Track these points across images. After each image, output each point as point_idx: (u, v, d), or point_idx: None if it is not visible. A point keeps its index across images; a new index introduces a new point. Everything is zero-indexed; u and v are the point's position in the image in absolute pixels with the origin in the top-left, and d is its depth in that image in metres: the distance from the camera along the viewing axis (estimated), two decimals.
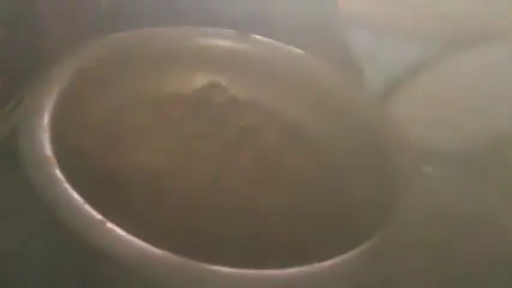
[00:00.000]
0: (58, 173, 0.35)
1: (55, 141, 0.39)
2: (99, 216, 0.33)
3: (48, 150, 0.37)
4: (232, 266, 0.39)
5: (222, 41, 0.56)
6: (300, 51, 0.58)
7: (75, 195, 0.34)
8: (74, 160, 0.45)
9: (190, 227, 0.43)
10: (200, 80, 0.58)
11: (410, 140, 0.50)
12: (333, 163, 0.53)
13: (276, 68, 0.57)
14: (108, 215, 0.41)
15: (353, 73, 0.62)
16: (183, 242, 0.41)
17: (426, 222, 0.46)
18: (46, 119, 0.39)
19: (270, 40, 0.58)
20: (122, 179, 0.45)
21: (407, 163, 0.45)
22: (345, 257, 0.37)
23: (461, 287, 0.49)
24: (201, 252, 0.40)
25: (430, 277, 0.48)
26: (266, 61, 0.57)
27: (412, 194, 0.44)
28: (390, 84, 0.74)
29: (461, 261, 0.49)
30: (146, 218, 0.43)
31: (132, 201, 0.43)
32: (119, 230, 0.33)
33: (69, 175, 0.38)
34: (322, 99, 0.56)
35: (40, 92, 0.41)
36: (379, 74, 0.73)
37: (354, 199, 0.49)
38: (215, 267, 0.33)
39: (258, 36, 0.58)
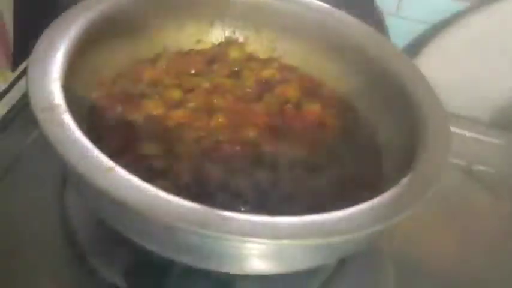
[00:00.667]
0: (68, 120, 0.34)
1: (66, 90, 0.38)
2: (109, 163, 0.32)
3: (58, 98, 0.35)
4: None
5: None
6: (324, 4, 0.55)
7: (85, 141, 0.33)
8: (84, 109, 0.44)
9: (207, 179, 0.42)
10: (218, 35, 0.56)
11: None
12: (355, 117, 0.51)
13: (298, 22, 0.55)
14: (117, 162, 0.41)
15: (378, 28, 0.59)
16: (199, 192, 0.41)
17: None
18: (58, 67, 0.38)
19: None
20: (137, 131, 0.44)
21: (435, 118, 0.43)
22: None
23: None
24: (217, 202, 0.40)
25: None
26: (287, 15, 0.55)
27: (437, 146, 0.42)
28: (417, 41, 0.71)
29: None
30: (162, 169, 0.42)
31: (146, 154, 0.43)
32: (129, 176, 0.32)
33: (80, 123, 0.37)
34: (346, 55, 0.53)
35: (53, 39, 0.40)
36: (405, 30, 0.70)
37: (377, 153, 0.48)
38: (229, 213, 0.32)
39: None
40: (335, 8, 0.56)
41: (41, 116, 0.33)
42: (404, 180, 0.36)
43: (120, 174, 0.31)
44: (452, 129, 0.44)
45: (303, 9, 0.55)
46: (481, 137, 0.63)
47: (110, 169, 0.31)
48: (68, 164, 0.31)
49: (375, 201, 0.34)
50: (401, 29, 0.70)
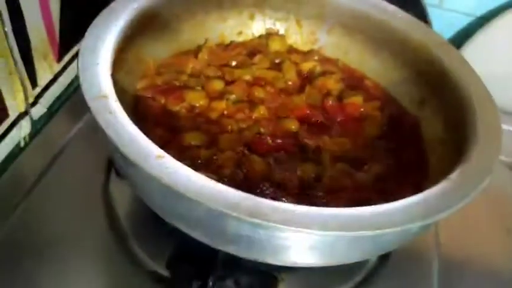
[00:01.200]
0: (118, 108, 0.34)
1: (114, 80, 0.39)
2: (158, 150, 0.32)
3: (109, 87, 0.36)
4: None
5: None
6: None
7: (135, 129, 0.33)
8: (129, 100, 0.45)
9: (249, 170, 0.42)
10: (259, 27, 0.56)
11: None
12: (398, 110, 0.50)
13: (339, 13, 0.54)
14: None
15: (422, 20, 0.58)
16: (242, 183, 0.41)
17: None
18: (107, 57, 0.39)
19: None
20: (180, 122, 0.45)
21: (484, 111, 0.42)
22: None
23: None
24: (260, 194, 0.40)
25: None
26: (328, 6, 0.54)
27: (487, 139, 0.40)
28: (461, 34, 0.69)
29: None
30: (205, 160, 0.42)
31: (189, 145, 0.43)
32: (179, 164, 0.32)
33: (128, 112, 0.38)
34: (390, 46, 0.52)
35: (101, 30, 0.40)
36: (448, 22, 0.68)
37: (421, 146, 0.47)
38: (278, 204, 0.31)
39: None
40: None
41: (93, 104, 0.34)
42: (455, 173, 0.35)
43: (170, 162, 0.31)
44: None
45: (345, 0, 0.54)
46: None
47: (160, 156, 0.31)
48: (120, 150, 0.31)
49: (426, 194, 0.33)
50: (445, 21, 0.68)
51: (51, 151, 0.51)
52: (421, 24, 0.51)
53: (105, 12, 0.42)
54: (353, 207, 0.33)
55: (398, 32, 0.51)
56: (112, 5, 0.44)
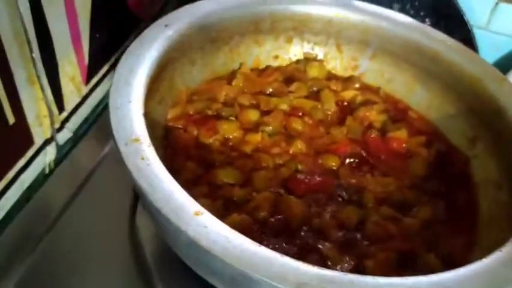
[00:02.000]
0: (152, 154, 0.32)
1: (146, 112, 0.36)
2: (196, 206, 0.29)
3: (141, 130, 0.33)
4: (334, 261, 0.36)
5: (321, 8, 0.50)
6: (411, 19, 0.50)
7: (170, 179, 0.31)
8: (160, 131, 0.42)
9: (286, 212, 0.39)
10: (296, 51, 0.53)
11: None
12: (446, 147, 0.46)
13: (383, 38, 0.50)
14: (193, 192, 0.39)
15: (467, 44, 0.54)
16: (279, 227, 0.38)
17: None
18: (140, 93, 0.36)
19: (375, 6, 0.51)
20: (213, 156, 0.42)
21: None
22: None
23: None
24: (298, 239, 0.37)
25: None
26: (371, 30, 0.51)
27: None
28: (508, 58, 0.65)
29: None
30: (239, 199, 0.39)
31: (223, 183, 0.40)
32: (217, 224, 0.29)
33: (161, 153, 0.36)
34: (438, 76, 0.48)
35: (134, 62, 0.38)
36: (495, 44, 0.64)
37: (471, 189, 0.43)
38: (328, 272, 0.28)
39: (360, 2, 0.51)
40: (424, 24, 0.51)
41: (124, 149, 0.31)
42: None
43: (209, 220, 0.29)
44: None
45: (389, 25, 0.50)
46: None
47: (198, 213, 0.29)
48: (153, 205, 0.29)
49: (488, 261, 0.30)
50: (491, 44, 0.64)
51: (77, 178, 0.48)
52: (475, 55, 0.47)
53: (137, 42, 0.40)
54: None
55: (450, 63, 0.47)
56: (145, 33, 0.41)
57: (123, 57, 0.38)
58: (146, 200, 0.30)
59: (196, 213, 0.29)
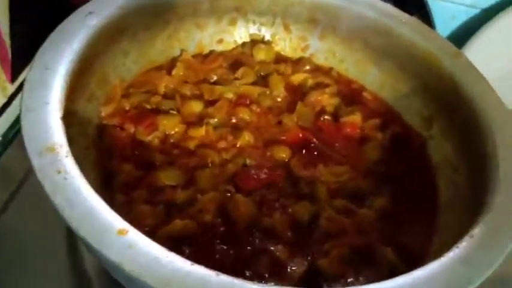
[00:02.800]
0: (70, 165, 0.28)
1: (70, 113, 0.32)
2: (120, 223, 0.26)
3: (58, 136, 0.29)
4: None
5: None
6: None
7: (90, 193, 0.27)
8: (92, 131, 0.39)
9: (234, 213, 0.36)
10: (242, 33, 0.49)
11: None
12: (403, 129, 0.44)
13: (333, 15, 0.47)
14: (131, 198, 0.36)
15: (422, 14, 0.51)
16: (226, 230, 0.35)
17: None
18: (58, 92, 0.32)
19: None
20: (153, 156, 0.38)
21: (504, 133, 0.36)
22: None
23: None
24: (247, 242, 0.35)
25: None
26: (320, 8, 0.47)
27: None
28: (464, 28, 0.63)
29: None
30: (183, 202, 0.36)
31: (164, 185, 0.37)
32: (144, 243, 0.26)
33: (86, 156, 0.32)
34: (391, 54, 0.45)
35: (51, 57, 0.33)
36: (450, 15, 0.62)
37: (430, 172, 0.41)
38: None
39: None
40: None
41: (37, 161, 0.27)
42: (478, 230, 0.29)
43: (135, 238, 0.25)
44: None
45: (338, 0, 0.47)
46: None
47: (122, 231, 0.25)
48: (71, 226, 0.25)
49: (445, 260, 0.28)
50: (447, 14, 0.61)
51: (8, 185, 0.44)
52: (430, 30, 0.45)
53: (55, 34, 0.35)
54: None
55: (403, 39, 0.44)
56: (64, 23, 0.37)
57: (38, 53, 0.34)
58: (63, 218, 0.26)
59: (121, 232, 0.25)
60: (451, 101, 0.41)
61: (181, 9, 0.45)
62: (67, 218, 0.26)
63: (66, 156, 0.28)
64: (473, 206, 0.34)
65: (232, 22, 0.48)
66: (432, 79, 0.43)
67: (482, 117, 0.38)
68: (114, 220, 0.26)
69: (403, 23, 0.44)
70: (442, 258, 0.27)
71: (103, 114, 0.40)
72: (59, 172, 0.27)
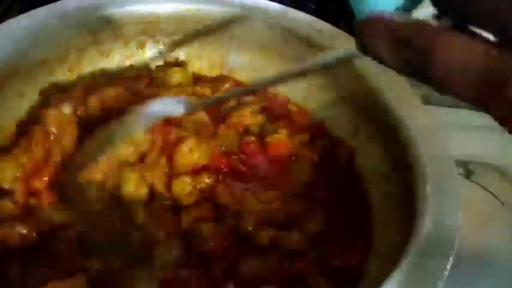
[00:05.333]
0: None
1: None
2: None
3: None
4: None
5: (169, 5, 0.43)
6: (274, 4, 0.44)
7: None
8: None
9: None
10: (152, 56, 0.46)
11: None
12: (331, 143, 0.42)
13: (247, 28, 0.44)
14: None
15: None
16: None
17: None
18: None
19: None
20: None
21: (429, 141, 0.35)
22: None
23: None
24: None
25: None
26: (232, 21, 0.44)
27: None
28: None
29: None
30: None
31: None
32: None
33: None
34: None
35: None
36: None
37: (361, 187, 0.39)
38: None
39: None
40: (288, 8, 0.45)
41: None
42: (407, 262, 0.27)
43: None
44: None
45: (249, 12, 0.44)
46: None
47: None
48: None
49: None
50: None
51: None
52: (347, 36, 0.42)
53: None
54: None
55: (320, 46, 0.42)
56: None
57: None
58: None
59: None
60: (372, 108, 0.39)
61: (77, 39, 0.41)
62: None
63: None
64: (407, 213, 0.33)
65: (141, 45, 0.45)
66: (351, 86, 0.41)
67: (402, 122, 0.37)
68: None
69: (316, 29, 0.42)
70: None
71: None
72: None
